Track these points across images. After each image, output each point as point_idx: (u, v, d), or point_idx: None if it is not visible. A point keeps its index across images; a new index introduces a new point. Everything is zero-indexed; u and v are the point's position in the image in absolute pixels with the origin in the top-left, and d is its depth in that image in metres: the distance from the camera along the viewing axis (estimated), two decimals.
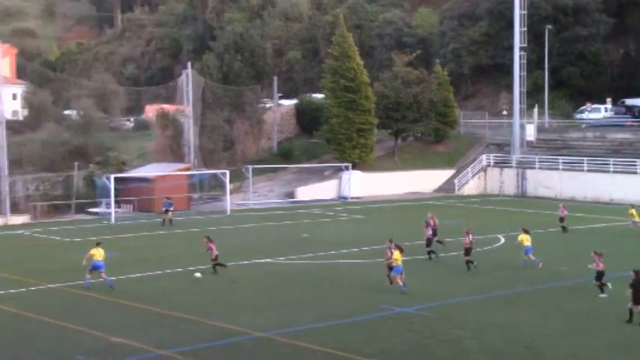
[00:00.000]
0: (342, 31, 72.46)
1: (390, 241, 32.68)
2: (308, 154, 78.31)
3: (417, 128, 75.86)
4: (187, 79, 69.02)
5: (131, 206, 58.89)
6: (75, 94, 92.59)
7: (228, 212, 57.52)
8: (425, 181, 73.52)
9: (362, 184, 69.29)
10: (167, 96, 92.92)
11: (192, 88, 68.86)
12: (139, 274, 35.15)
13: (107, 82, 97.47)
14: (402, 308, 28.61)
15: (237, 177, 66.89)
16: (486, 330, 25.99)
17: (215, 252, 34.88)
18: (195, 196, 63.85)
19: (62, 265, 37.67)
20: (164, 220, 50.52)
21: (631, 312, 26.59)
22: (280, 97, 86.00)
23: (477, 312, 28.38)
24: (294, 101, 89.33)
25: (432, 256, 38.72)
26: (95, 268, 32.07)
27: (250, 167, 65.16)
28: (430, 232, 39.52)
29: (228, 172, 60.57)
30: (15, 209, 54.50)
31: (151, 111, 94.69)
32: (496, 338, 25.14)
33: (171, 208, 51.45)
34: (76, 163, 60.98)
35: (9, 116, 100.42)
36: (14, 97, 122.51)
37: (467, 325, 26.43)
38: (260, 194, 67.57)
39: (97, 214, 57.06)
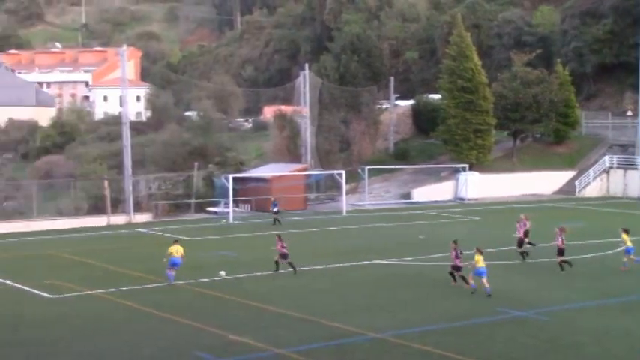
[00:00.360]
0: (459, 31, 71.75)
1: (455, 242, 32.60)
2: (424, 155, 77.87)
3: (537, 129, 74.38)
4: (305, 80, 69.66)
5: (249, 206, 59.82)
6: (195, 95, 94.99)
7: (344, 213, 57.72)
8: (544, 182, 72.00)
9: (479, 185, 68.39)
10: (285, 97, 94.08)
11: (309, 89, 69.47)
12: (257, 273, 35.63)
13: (226, 83, 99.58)
14: (520, 312, 28.09)
15: (354, 178, 67.09)
16: (607, 336, 25.26)
17: (283, 251, 34.85)
18: (312, 196, 64.33)
19: (182, 263, 38.50)
20: (275, 220, 51.41)
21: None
22: (397, 98, 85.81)
23: (597, 317, 27.62)
24: (410, 102, 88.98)
25: (524, 256, 38.52)
26: (173, 265, 33.03)
27: (366, 168, 65.23)
28: (522, 233, 39.21)
29: (344, 172, 60.80)
30: (138, 208, 56.14)
31: (268, 112, 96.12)
32: (617, 345, 24.40)
33: (275, 209, 52.32)
34: (196, 164, 62.42)
35: (133, 117, 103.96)
36: (138, 98, 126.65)
37: (587, 331, 25.77)
38: (376, 195, 67.56)
39: (215, 213, 58.21)
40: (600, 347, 24.15)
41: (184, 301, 30.32)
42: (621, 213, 59.75)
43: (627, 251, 35.37)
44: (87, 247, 43.62)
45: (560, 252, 34.98)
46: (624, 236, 35.34)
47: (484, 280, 30.83)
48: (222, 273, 34.62)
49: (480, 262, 31.26)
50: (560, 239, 35.05)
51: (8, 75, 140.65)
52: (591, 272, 35.05)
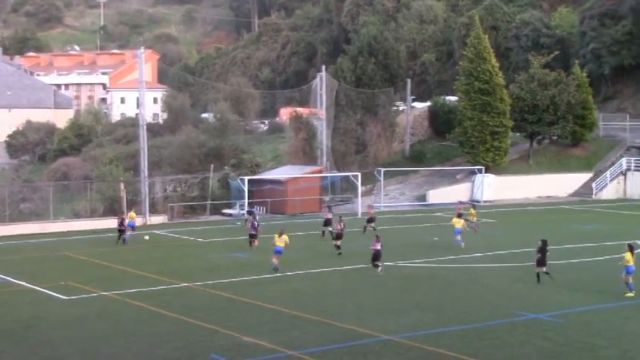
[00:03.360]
0: (477, 33, 71.54)
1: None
2: (440, 157, 77.66)
3: (554, 131, 73.99)
4: (321, 82, 69.60)
5: (264, 208, 59.74)
6: (212, 97, 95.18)
7: (360, 215, 57.59)
8: (560, 185, 71.65)
9: (495, 187, 68.14)
10: (301, 99, 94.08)
11: (325, 91, 69.41)
12: (269, 276, 35.60)
13: (243, 85, 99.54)
14: (536, 314, 27.94)
15: (369, 180, 67.00)
16: (625, 339, 25.10)
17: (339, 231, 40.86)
18: (327, 198, 64.25)
19: (197, 265, 38.67)
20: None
21: (538, 275, 33.14)
22: (413, 100, 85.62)
23: (613, 320, 27.43)
24: (427, 104, 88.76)
25: None
26: (276, 253, 35.98)
27: (382, 170, 65.09)
28: None
29: (359, 174, 60.73)
30: (153, 209, 56.23)
31: (285, 114, 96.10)
32: (635, 348, 24.22)
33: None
34: (212, 165, 62.46)
35: (149, 119, 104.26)
36: (155, 100, 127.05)
37: (603, 334, 25.61)
38: (391, 197, 67.44)
39: (231, 215, 58.21)
40: (617, 349, 24.00)
41: (199, 303, 30.33)
42: (638, 215, 59.40)
43: (627, 271, 31.48)
44: (102, 249, 43.73)
45: None
46: (628, 255, 31.46)
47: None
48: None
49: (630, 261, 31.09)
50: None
51: (27, 77, 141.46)
52: (607, 275, 34.75)
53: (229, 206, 59.76)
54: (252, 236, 42.24)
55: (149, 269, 37.12)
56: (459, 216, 43.31)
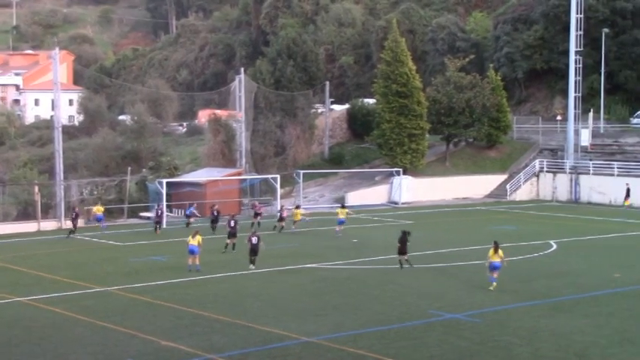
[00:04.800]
0: (394, 36, 72.31)
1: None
2: (359, 159, 78.23)
3: (469, 133, 75.30)
4: (240, 84, 69.44)
5: (183, 211, 59.24)
6: (129, 99, 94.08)
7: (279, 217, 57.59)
8: (476, 186, 72.94)
9: (413, 189, 69.00)
10: (220, 101, 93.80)
11: (244, 93, 69.26)
12: (190, 279, 35.36)
13: (161, 87, 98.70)
14: (452, 314, 28.39)
15: (288, 182, 67.10)
16: (537, 337, 25.65)
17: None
18: (246, 200, 64.11)
19: (115, 269, 38.15)
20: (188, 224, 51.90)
21: (400, 262, 36.81)
22: (332, 102, 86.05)
23: (527, 319, 28.04)
24: (345, 106, 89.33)
25: None
26: (190, 253, 36.50)
27: (301, 172, 65.24)
28: None
29: (279, 177, 60.79)
30: (69, 213, 55.18)
31: (203, 116, 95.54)
32: (547, 345, 24.79)
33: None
34: (129, 168, 61.70)
35: (65, 121, 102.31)
36: (70, 102, 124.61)
37: (517, 332, 26.14)
38: (310, 199, 67.65)
39: (149, 218, 57.56)
40: (530, 347, 24.52)
41: (116, 307, 29.92)
42: (550, 216, 60.90)
43: (493, 267, 33.00)
44: (16, 254, 42.78)
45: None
46: (490, 252, 33.16)
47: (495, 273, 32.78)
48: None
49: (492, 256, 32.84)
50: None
51: None
52: (521, 274, 35.55)
53: (147, 209, 59.11)
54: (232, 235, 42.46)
55: (65, 274, 36.46)
56: (343, 207, 49.89)
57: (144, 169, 64.60)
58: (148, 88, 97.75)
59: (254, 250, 37.62)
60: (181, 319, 28.02)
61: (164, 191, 54.78)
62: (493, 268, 32.95)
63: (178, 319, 28.03)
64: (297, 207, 52.51)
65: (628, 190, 65.99)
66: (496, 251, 32.90)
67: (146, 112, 79.27)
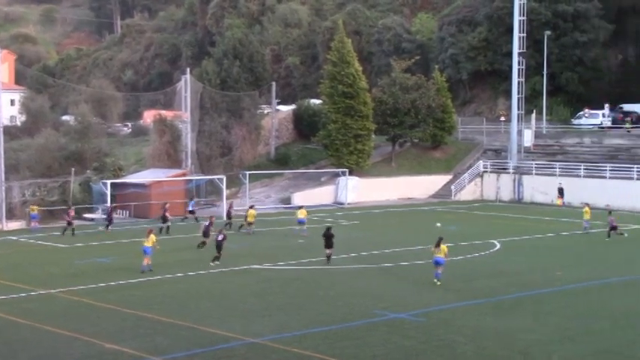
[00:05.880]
0: (341, 37, 72.51)
1: None
2: (305, 160, 78.30)
3: (415, 134, 75.86)
4: (186, 84, 69.03)
5: (127, 212, 58.79)
6: (73, 99, 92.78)
7: (225, 218, 57.38)
8: (421, 186, 73.56)
9: (358, 189, 69.30)
10: (165, 102, 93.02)
11: (190, 93, 68.84)
12: (134, 280, 35.07)
13: (105, 87, 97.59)
14: (396, 314, 28.56)
15: (234, 183, 66.89)
16: (481, 335, 25.94)
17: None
18: (192, 201, 63.60)
19: (58, 271, 37.67)
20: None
21: (327, 257, 38.52)
22: (278, 103, 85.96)
23: (471, 317, 28.33)
24: (292, 107, 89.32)
25: None
26: (145, 253, 36.69)
27: (247, 173, 65.01)
28: None
29: (224, 177, 60.52)
30: (11, 215, 54.39)
31: (148, 116, 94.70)
32: (491, 344, 25.09)
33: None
34: (73, 169, 60.89)
35: (6, 122, 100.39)
36: (12, 102, 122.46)
37: (462, 331, 26.40)
38: (256, 200, 67.46)
39: (92, 219, 56.94)
40: (474, 346, 24.79)
41: (59, 310, 29.53)
42: (494, 215, 61.62)
43: (435, 262, 33.80)
44: None
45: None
46: (434, 248, 33.88)
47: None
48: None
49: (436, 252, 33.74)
50: None
51: None
52: (466, 274, 35.91)
53: (92, 210, 58.45)
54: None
55: (7, 276, 35.81)
56: (300, 207, 50.76)
57: (88, 170, 63.79)
58: (92, 88, 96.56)
59: (218, 247, 38.48)
60: (125, 320, 27.77)
61: (109, 192, 54.21)
62: (436, 263, 33.71)
63: (122, 320, 27.77)
64: (252, 207, 52.18)
65: (561, 190, 67.22)
66: (438, 246, 33.57)
67: (90, 112, 78.16)
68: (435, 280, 33.53)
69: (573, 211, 62.78)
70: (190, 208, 56.32)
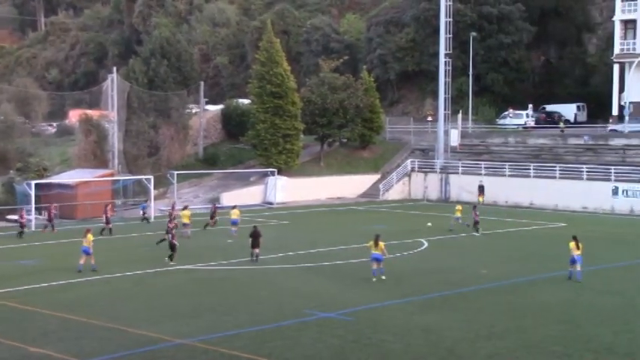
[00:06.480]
0: (269, 37, 72.45)
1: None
2: (234, 160, 78.03)
3: (343, 134, 76.23)
4: (112, 83, 68.21)
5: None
6: None
7: (152, 218, 56.91)
8: (350, 186, 73.92)
9: (287, 189, 69.34)
10: (91, 101, 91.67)
11: (117, 93, 68.05)
12: (61, 282, 34.49)
13: (29, 86, 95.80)
14: (325, 314, 28.66)
15: (162, 183, 66.28)
16: (409, 334, 26.19)
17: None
18: (119, 202, 62.97)
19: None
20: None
21: (252, 255, 39.20)
22: (206, 103, 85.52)
23: (399, 316, 28.60)
24: (220, 107, 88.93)
25: None
26: (83, 252, 36.73)
27: (175, 173, 64.43)
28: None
29: (152, 177, 59.95)
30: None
31: (74, 116, 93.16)
32: (419, 342, 25.35)
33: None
34: None
35: None
36: None
37: (390, 329, 26.61)
38: (185, 200, 66.92)
39: (15, 221, 55.77)
40: (402, 344, 25.01)
41: None
42: (421, 214, 62.24)
43: (373, 258, 34.67)
44: None
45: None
46: (371, 244, 34.72)
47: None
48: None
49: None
50: None
51: None
52: (393, 273, 36.17)
53: (15, 212, 57.27)
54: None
55: None
56: (234, 207, 50.73)
57: (11, 171, 62.59)
58: (16, 87, 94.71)
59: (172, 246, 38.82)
60: (49, 324, 27.29)
61: (32, 193, 53.23)
62: (374, 259, 34.34)
63: (46, 324, 27.28)
64: (185, 207, 51.52)
65: (481, 187, 68.42)
66: (376, 244, 34.27)
67: (13, 111, 76.79)
68: (374, 278, 34.16)
69: (496, 210, 64.00)
70: (141, 211, 56.75)
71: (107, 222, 49.53)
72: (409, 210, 65.62)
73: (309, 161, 76.52)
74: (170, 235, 39.46)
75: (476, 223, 50.40)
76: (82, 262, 36.59)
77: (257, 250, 39.34)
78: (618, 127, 75.33)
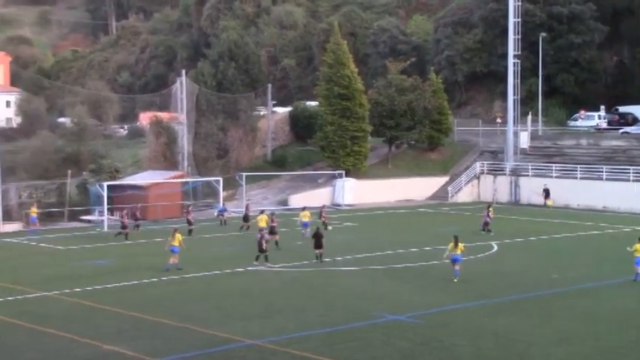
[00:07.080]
0: (336, 39, 72.53)
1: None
2: (302, 162, 78.26)
3: (411, 136, 75.86)
4: (182, 86, 69.04)
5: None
6: (69, 101, 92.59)
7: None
8: (418, 188, 73.47)
9: (355, 191, 69.24)
10: (161, 103, 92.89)
11: (186, 95, 68.87)
12: (133, 282, 35.05)
13: (101, 89, 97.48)
14: (395, 316, 28.57)
15: (231, 185, 66.81)
16: (480, 337, 25.95)
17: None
18: (189, 203, 63.60)
19: (55, 273, 37.61)
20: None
21: (317, 256, 39.44)
22: (274, 105, 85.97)
23: (470, 319, 28.34)
24: (288, 109, 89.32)
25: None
26: (173, 252, 37.30)
27: (244, 175, 64.99)
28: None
29: (221, 179, 60.53)
30: (8, 217, 54.33)
31: (145, 118, 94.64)
32: (490, 346, 25.11)
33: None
34: (70, 171, 60.89)
35: (2, 123, 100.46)
36: (8, 104, 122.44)
37: (460, 333, 26.40)
38: (253, 202, 67.33)
39: (89, 221, 56.90)
40: (473, 347, 24.80)
41: (57, 312, 29.51)
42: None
43: (454, 260, 34.86)
44: None
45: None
46: (451, 246, 34.95)
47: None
48: None
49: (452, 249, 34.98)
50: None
51: None
52: (464, 275, 35.84)
53: (88, 212, 58.42)
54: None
55: (4, 278, 35.81)
56: (304, 209, 49.85)
57: (84, 172, 63.76)
58: (88, 90, 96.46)
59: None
60: (123, 323, 27.74)
61: (105, 194, 54.17)
62: (454, 261, 34.72)
63: (120, 323, 27.74)
64: (262, 212, 51.45)
65: (546, 191, 67.46)
66: (456, 245, 34.65)
67: (86, 114, 78.11)
68: (455, 279, 34.50)
69: (565, 213, 63.04)
70: (216, 213, 57.27)
71: (189, 223, 50.00)
72: (478, 213, 64.90)
73: (376, 163, 76.34)
74: (259, 236, 39.58)
75: (486, 224, 50.37)
76: (171, 261, 37.34)
77: (319, 251, 39.67)
78: None
